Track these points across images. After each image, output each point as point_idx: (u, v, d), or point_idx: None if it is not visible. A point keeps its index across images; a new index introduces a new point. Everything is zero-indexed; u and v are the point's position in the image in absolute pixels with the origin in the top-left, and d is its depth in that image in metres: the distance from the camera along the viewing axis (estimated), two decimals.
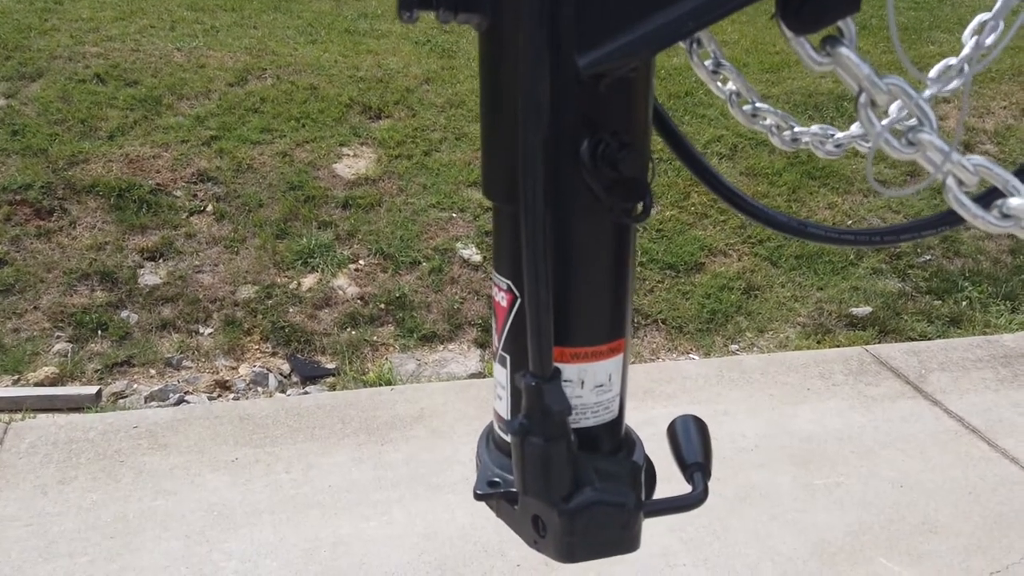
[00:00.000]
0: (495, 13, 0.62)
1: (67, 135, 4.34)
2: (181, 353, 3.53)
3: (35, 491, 2.65)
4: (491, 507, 0.76)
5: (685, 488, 0.76)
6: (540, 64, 0.58)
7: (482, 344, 3.73)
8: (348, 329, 3.71)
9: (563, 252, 0.67)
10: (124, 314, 3.65)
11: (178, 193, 4.18)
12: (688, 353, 3.82)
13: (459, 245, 4.15)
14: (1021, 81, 5.94)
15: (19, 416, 3.05)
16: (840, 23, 0.53)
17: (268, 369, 3.51)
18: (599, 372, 0.71)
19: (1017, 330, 4.06)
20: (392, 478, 2.77)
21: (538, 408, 0.64)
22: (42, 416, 3.08)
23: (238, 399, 3.35)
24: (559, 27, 0.58)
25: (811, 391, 3.38)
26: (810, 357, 3.66)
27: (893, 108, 0.60)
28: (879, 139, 0.55)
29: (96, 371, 3.40)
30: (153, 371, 3.45)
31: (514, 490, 0.70)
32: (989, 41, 0.70)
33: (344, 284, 3.89)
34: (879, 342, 3.90)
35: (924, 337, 3.98)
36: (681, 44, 0.73)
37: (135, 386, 3.36)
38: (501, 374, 0.75)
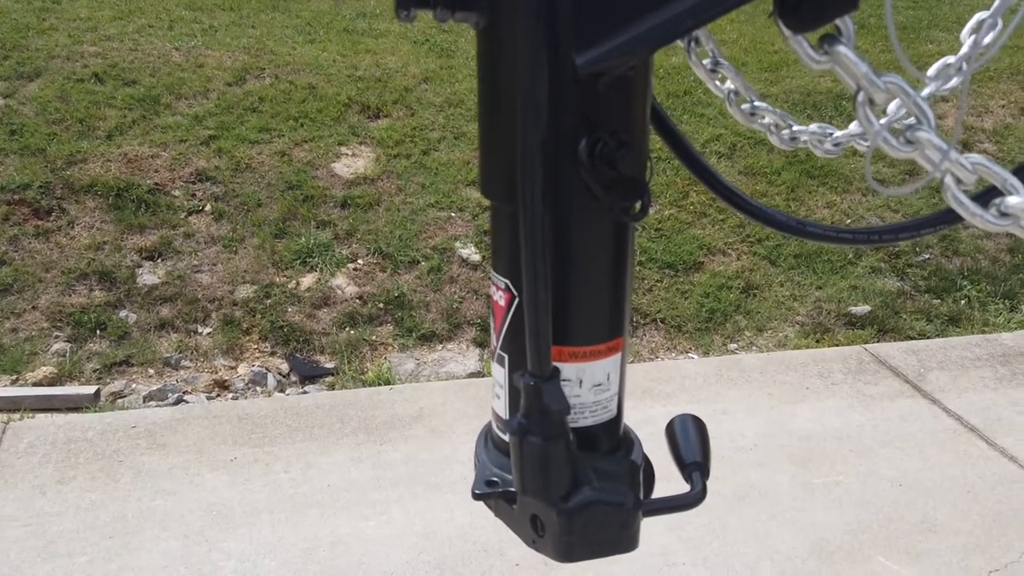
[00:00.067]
0: (492, 12, 0.61)
1: (65, 135, 4.34)
2: (180, 353, 3.53)
3: (34, 491, 2.65)
4: (489, 507, 0.75)
5: (684, 487, 0.76)
6: (538, 63, 0.58)
7: (481, 343, 3.73)
8: (347, 328, 3.71)
9: (561, 251, 0.66)
10: (123, 314, 3.65)
11: (176, 193, 4.18)
12: (687, 352, 3.82)
13: (458, 244, 4.15)
14: (1020, 80, 5.94)
15: (17, 416, 3.04)
16: (838, 21, 0.53)
17: (267, 369, 3.51)
18: (597, 371, 0.71)
19: (1016, 329, 4.06)
20: (391, 477, 2.77)
21: (536, 407, 0.64)
22: (40, 416, 3.08)
23: (237, 399, 3.35)
24: (557, 26, 0.58)
25: (810, 390, 3.38)
26: (809, 356, 3.66)
27: (891, 107, 0.59)
28: (877, 138, 0.54)
29: (95, 371, 3.39)
30: (152, 371, 3.45)
31: (512, 490, 0.70)
32: (987, 40, 0.70)
33: (343, 283, 3.89)
34: (878, 341, 3.90)
35: (923, 336, 3.98)
36: (679, 43, 0.73)
37: (134, 386, 3.36)
38: (499, 373, 0.74)
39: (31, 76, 4.72)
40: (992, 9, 0.67)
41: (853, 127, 0.78)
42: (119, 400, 3.28)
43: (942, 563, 2.49)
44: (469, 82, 5.28)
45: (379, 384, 3.39)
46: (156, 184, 4.18)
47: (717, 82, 0.82)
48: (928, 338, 3.95)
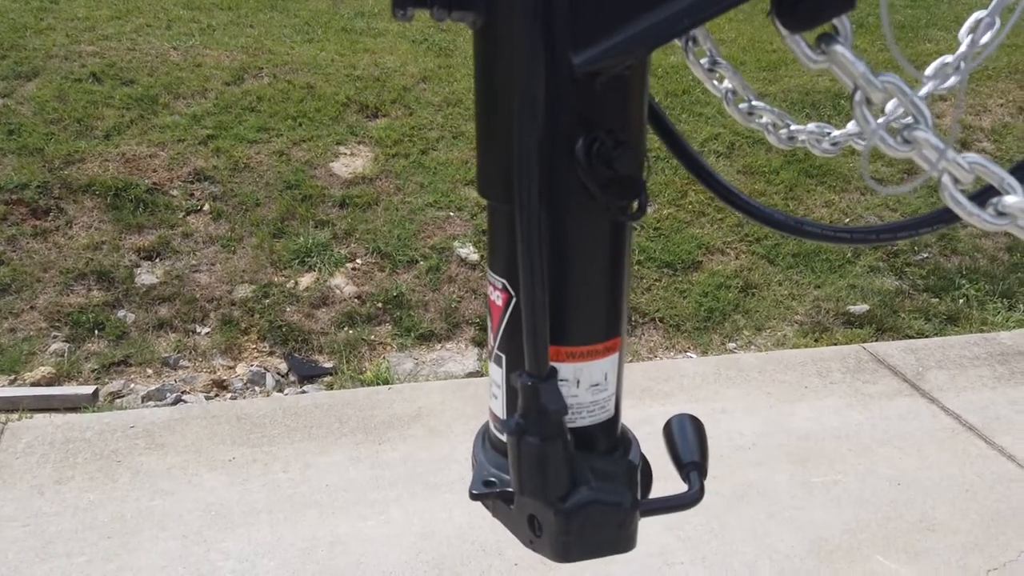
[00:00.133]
0: (489, 11, 0.61)
1: (63, 134, 4.33)
2: (178, 353, 3.52)
3: (32, 491, 2.64)
4: (487, 507, 0.75)
5: (682, 487, 0.76)
6: (535, 62, 0.58)
7: (480, 343, 3.73)
8: (345, 328, 3.71)
9: (558, 251, 0.66)
10: (121, 314, 3.64)
11: (175, 192, 4.18)
12: (686, 351, 3.82)
13: (456, 244, 4.14)
14: (1018, 79, 5.95)
15: (16, 416, 3.04)
16: (835, 21, 0.53)
17: (265, 368, 3.51)
18: (595, 371, 0.71)
19: (1014, 328, 4.07)
20: (390, 477, 2.77)
21: (534, 407, 0.64)
22: (39, 416, 3.07)
23: (235, 399, 3.34)
24: (553, 25, 0.58)
25: (809, 389, 3.39)
26: (808, 355, 3.66)
27: (889, 106, 0.59)
28: (874, 137, 0.54)
29: (93, 371, 3.39)
30: (150, 371, 3.44)
31: (510, 490, 0.70)
32: (985, 39, 0.70)
33: (341, 283, 3.89)
34: (876, 340, 3.90)
35: (921, 335, 3.99)
36: (677, 42, 0.73)
37: (132, 386, 3.36)
38: (497, 373, 0.74)
39: (29, 76, 4.71)
40: (989, 8, 0.67)
41: (851, 126, 0.78)
42: (117, 400, 3.28)
43: (941, 562, 2.49)
44: (467, 81, 5.28)
45: (377, 384, 3.39)
46: (154, 184, 4.18)
47: (715, 81, 0.82)
48: (926, 337, 3.96)
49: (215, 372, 3.48)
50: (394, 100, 5.02)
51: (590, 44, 0.58)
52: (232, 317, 3.68)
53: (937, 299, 4.26)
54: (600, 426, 0.74)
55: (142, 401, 3.27)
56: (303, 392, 3.40)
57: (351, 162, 4.55)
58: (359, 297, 3.85)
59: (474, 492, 0.73)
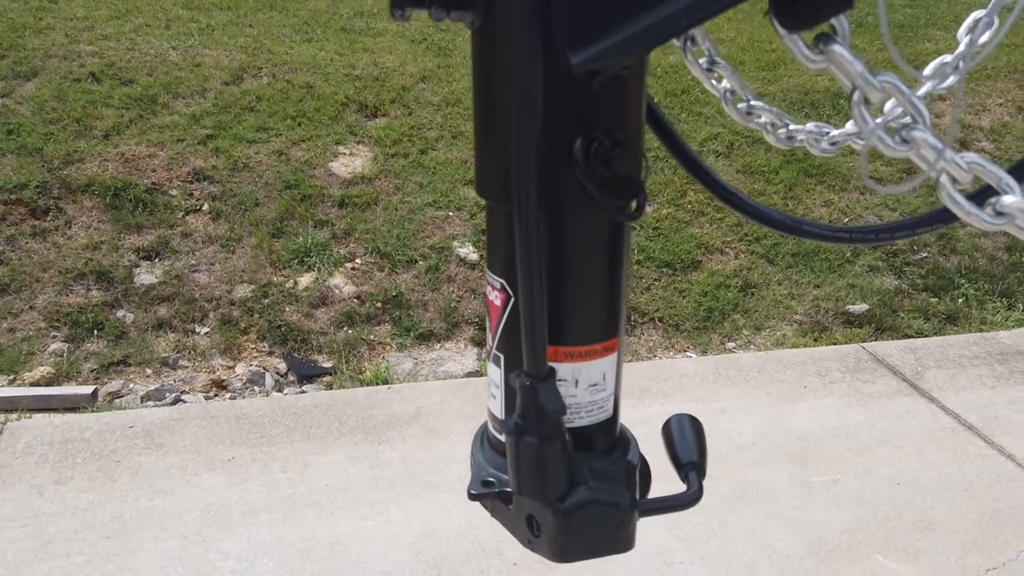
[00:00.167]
0: (488, 11, 0.61)
1: (62, 134, 4.33)
2: (177, 352, 3.52)
3: (31, 491, 2.64)
4: (486, 507, 0.75)
5: (682, 486, 0.76)
6: (533, 62, 0.58)
7: (479, 342, 3.73)
8: (345, 328, 3.71)
9: (557, 251, 0.66)
10: (120, 314, 3.64)
11: (174, 192, 4.17)
12: (685, 351, 3.82)
13: (456, 243, 4.14)
14: (1017, 78, 5.95)
15: (15, 416, 3.04)
16: (834, 20, 0.53)
17: (265, 368, 3.51)
18: (593, 371, 0.71)
19: (1013, 327, 4.07)
20: (389, 477, 2.76)
21: (532, 407, 0.64)
22: (38, 416, 3.07)
23: (234, 398, 3.34)
24: (552, 25, 0.58)
25: (808, 389, 3.39)
26: (807, 355, 3.66)
27: (887, 106, 0.59)
28: (873, 137, 0.54)
29: (92, 371, 3.39)
30: (149, 371, 3.44)
31: (509, 490, 0.70)
32: (984, 38, 0.70)
33: (340, 283, 3.89)
34: (876, 339, 3.90)
35: (920, 334, 3.99)
36: (675, 42, 0.73)
37: (131, 386, 3.36)
38: (495, 373, 0.74)
39: (28, 75, 4.71)
40: (988, 8, 0.67)
41: (849, 126, 0.78)
42: (117, 400, 3.28)
43: (940, 561, 2.49)
44: (467, 81, 5.28)
45: (377, 383, 3.39)
46: (153, 184, 4.17)
47: (713, 81, 0.82)
48: (926, 336, 3.96)
49: (214, 372, 3.47)
50: (393, 100, 5.02)
51: (588, 44, 0.58)
52: (231, 317, 3.68)
53: (936, 298, 4.26)
54: (599, 426, 0.74)
55: (141, 401, 3.27)
56: (302, 392, 3.40)
57: (350, 162, 4.55)
58: (358, 297, 3.85)
59: (472, 492, 0.73)
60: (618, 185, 0.64)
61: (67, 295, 3.65)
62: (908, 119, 0.54)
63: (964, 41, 0.72)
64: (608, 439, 0.76)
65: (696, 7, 0.56)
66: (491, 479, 0.74)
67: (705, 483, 0.77)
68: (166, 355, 3.50)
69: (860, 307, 4.10)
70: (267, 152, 4.47)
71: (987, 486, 2.83)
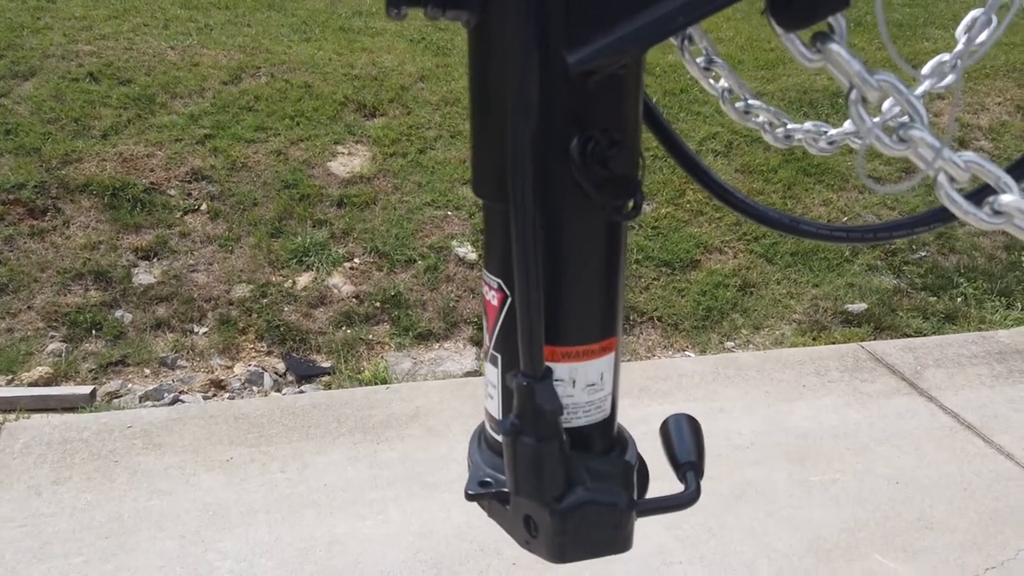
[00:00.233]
0: (483, 10, 0.61)
1: (60, 134, 4.32)
2: (176, 352, 3.52)
3: (29, 492, 2.64)
4: (483, 507, 0.75)
5: (680, 486, 0.76)
6: (529, 61, 0.58)
7: (478, 342, 3.73)
8: (343, 328, 3.70)
9: (553, 250, 0.66)
10: (118, 313, 3.64)
11: (172, 192, 4.17)
12: (684, 350, 3.82)
13: (454, 243, 4.14)
14: (1016, 77, 5.95)
15: (13, 416, 3.03)
16: (831, 19, 0.53)
17: (263, 368, 3.51)
18: (590, 371, 0.71)
19: (1012, 326, 4.07)
20: (388, 477, 2.76)
21: (529, 408, 0.64)
22: (36, 416, 3.07)
23: (233, 398, 3.34)
24: (548, 23, 0.58)
25: (807, 388, 3.39)
26: (806, 354, 3.66)
27: (885, 104, 0.59)
28: (870, 136, 0.54)
29: (90, 371, 3.39)
30: (148, 371, 3.44)
31: (506, 490, 0.70)
32: (982, 37, 0.70)
33: (339, 282, 3.89)
34: (874, 339, 3.90)
35: (919, 333, 3.99)
36: (673, 40, 0.73)
37: (130, 386, 3.35)
38: (492, 373, 0.74)
39: (26, 75, 4.71)
40: (986, 6, 0.67)
41: (847, 125, 0.77)
42: (115, 400, 3.28)
43: (939, 560, 2.49)
44: (465, 80, 5.26)
45: (376, 383, 3.39)
46: (152, 183, 4.17)
47: (711, 80, 0.81)
48: (924, 335, 3.96)
49: (213, 372, 3.47)
50: (392, 99, 5.02)
51: (584, 43, 0.58)
52: (230, 317, 3.68)
53: (935, 298, 4.26)
54: (596, 426, 0.73)
55: (140, 401, 3.27)
56: (301, 392, 3.40)
57: (349, 161, 4.54)
58: (357, 296, 3.84)
59: (470, 492, 0.73)
60: (615, 184, 0.63)
61: (65, 295, 3.65)
62: (906, 118, 0.54)
63: (962, 40, 0.72)
64: (606, 439, 0.76)
65: (692, 5, 0.55)
66: (488, 479, 0.74)
67: (704, 482, 0.77)
68: (164, 355, 3.50)
69: (859, 306, 4.10)
70: (265, 152, 4.47)
71: (986, 485, 2.83)
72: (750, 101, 0.82)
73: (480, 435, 0.80)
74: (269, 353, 3.59)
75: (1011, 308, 4.24)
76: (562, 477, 0.66)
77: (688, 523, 2.57)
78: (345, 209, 4.24)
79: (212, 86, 4.87)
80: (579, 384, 0.71)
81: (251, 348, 3.60)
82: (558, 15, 0.58)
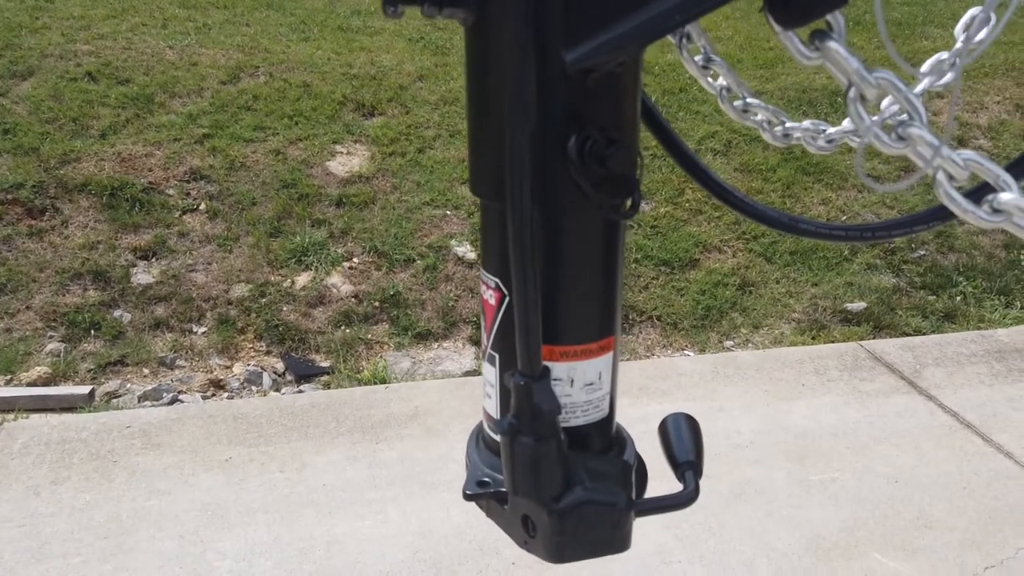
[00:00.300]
0: (480, 8, 0.61)
1: (59, 134, 4.32)
2: (174, 352, 3.52)
3: (28, 492, 2.64)
4: (481, 507, 0.75)
5: (680, 485, 0.76)
6: (526, 59, 0.57)
7: (477, 341, 3.73)
8: (342, 327, 3.70)
9: (551, 249, 0.66)
10: (117, 313, 3.63)
11: (171, 191, 4.17)
12: (683, 350, 3.82)
13: (453, 242, 4.14)
14: (1015, 76, 5.95)
15: (11, 416, 3.03)
16: (829, 17, 0.53)
17: (262, 368, 3.50)
18: (589, 370, 0.71)
19: (1011, 325, 4.07)
20: (387, 476, 2.76)
21: (527, 407, 0.64)
22: (35, 416, 3.07)
23: (232, 398, 3.34)
24: (545, 22, 0.57)
25: (806, 387, 3.38)
26: (805, 353, 3.66)
27: (884, 103, 0.59)
28: (869, 134, 0.54)
29: (89, 371, 3.38)
30: (146, 370, 3.44)
31: (504, 490, 0.69)
32: (980, 36, 0.70)
33: (338, 282, 3.88)
34: (874, 337, 3.90)
35: (918, 332, 3.99)
36: (671, 39, 0.72)
37: (128, 385, 3.35)
38: (490, 373, 0.74)
39: (24, 75, 4.70)
40: (985, 4, 0.67)
41: (846, 124, 0.77)
42: (114, 400, 3.27)
43: (938, 559, 2.49)
44: (464, 80, 5.27)
45: (375, 383, 3.39)
46: (150, 183, 4.17)
47: (709, 79, 0.81)
48: (924, 334, 3.96)
49: (212, 372, 3.47)
50: (390, 99, 5.02)
51: (582, 41, 0.58)
52: (229, 316, 3.67)
53: (934, 296, 4.26)
54: (594, 425, 0.73)
55: (138, 401, 3.27)
56: (300, 391, 3.39)
57: (347, 161, 4.54)
58: (356, 296, 3.84)
59: (468, 492, 0.73)
60: (613, 183, 0.63)
61: (64, 295, 3.65)
62: (904, 116, 0.54)
63: (961, 38, 0.71)
64: (604, 438, 0.76)
65: (690, 3, 0.55)
66: (486, 479, 0.74)
67: (703, 482, 0.76)
68: (163, 355, 3.49)
69: (858, 305, 4.10)
70: (264, 151, 4.46)
71: (985, 484, 2.83)
72: (749, 100, 0.82)
73: (478, 435, 0.80)
74: (268, 353, 3.59)
75: (1010, 307, 4.24)
76: (560, 477, 0.66)
77: (687, 522, 2.57)
78: (344, 209, 4.24)
79: (211, 86, 4.86)
80: (577, 383, 0.70)
81: (250, 348, 3.59)
82: (556, 13, 0.57)
